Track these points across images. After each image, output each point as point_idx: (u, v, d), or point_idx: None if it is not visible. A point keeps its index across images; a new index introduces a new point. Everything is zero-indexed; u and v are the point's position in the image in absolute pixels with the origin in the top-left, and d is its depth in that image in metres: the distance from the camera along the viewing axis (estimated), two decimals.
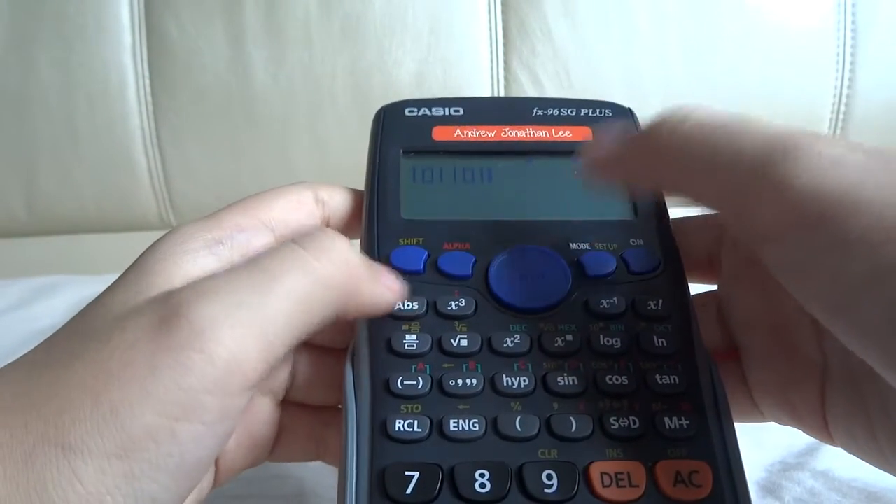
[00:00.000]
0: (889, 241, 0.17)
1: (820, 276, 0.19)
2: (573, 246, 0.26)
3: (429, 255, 0.25)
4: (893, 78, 0.66)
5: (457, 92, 0.65)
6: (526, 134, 0.29)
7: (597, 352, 0.23)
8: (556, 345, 0.23)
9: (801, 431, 0.26)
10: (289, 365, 0.26)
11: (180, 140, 0.66)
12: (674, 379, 0.23)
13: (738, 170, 0.20)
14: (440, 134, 0.29)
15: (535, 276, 0.25)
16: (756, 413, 0.26)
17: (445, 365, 0.23)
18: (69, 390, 0.18)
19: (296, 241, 0.22)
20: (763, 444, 0.35)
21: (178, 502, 0.20)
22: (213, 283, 0.20)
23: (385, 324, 0.24)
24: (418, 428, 0.22)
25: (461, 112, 0.29)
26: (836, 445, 0.24)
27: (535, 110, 0.30)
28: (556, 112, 0.30)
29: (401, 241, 0.26)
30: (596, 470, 0.21)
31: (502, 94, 0.66)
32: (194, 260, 0.22)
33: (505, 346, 0.23)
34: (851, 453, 0.24)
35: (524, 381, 0.23)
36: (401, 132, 0.29)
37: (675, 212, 0.27)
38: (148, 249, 0.23)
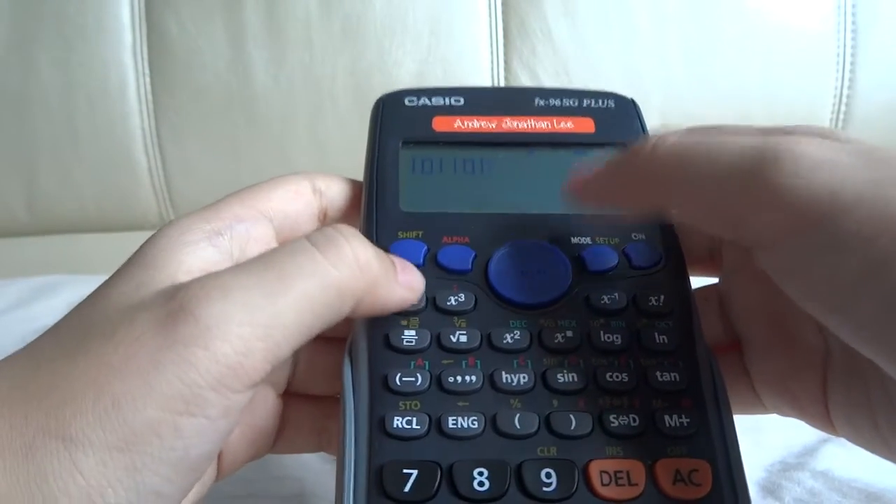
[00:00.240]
0: (881, 236, 0.17)
1: (816, 277, 0.19)
2: (574, 240, 0.25)
3: (428, 249, 0.25)
4: (894, 79, 0.66)
5: None
6: (527, 125, 0.29)
7: (597, 348, 0.23)
8: (557, 341, 0.23)
9: (802, 428, 0.26)
10: (290, 358, 0.26)
11: (181, 140, 0.66)
12: (674, 376, 0.23)
13: (723, 184, 0.20)
14: (440, 124, 0.29)
15: (535, 271, 0.25)
16: (758, 405, 0.26)
17: (444, 361, 0.23)
18: (71, 382, 0.18)
19: (311, 240, 0.21)
20: (763, 444, 0.35)
21: (181, 496, 0.20)
22: (222, 280, 0.20)
23: (383, 319, 0.23)
24: (417, 425, 0.21)
25: (462, 102, 0.29)
26: (839, 435, 0.24)
27: (536, 101, 0.29)
28: (557, 103, 0.29)
29: (400, 234, 0.25)
30: (595, 468, 0.21)
31: None
32: (195, 252, 0.22)
33: (504, 342, 0.23)
34: (854, 443, 0.24)
35: (524, 377, 0.22)
36: (400, 122, 0.29)
37: None
38: (147, 242, 0.23)
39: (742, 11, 0.65)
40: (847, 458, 0.34)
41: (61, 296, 0.57)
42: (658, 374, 0.23)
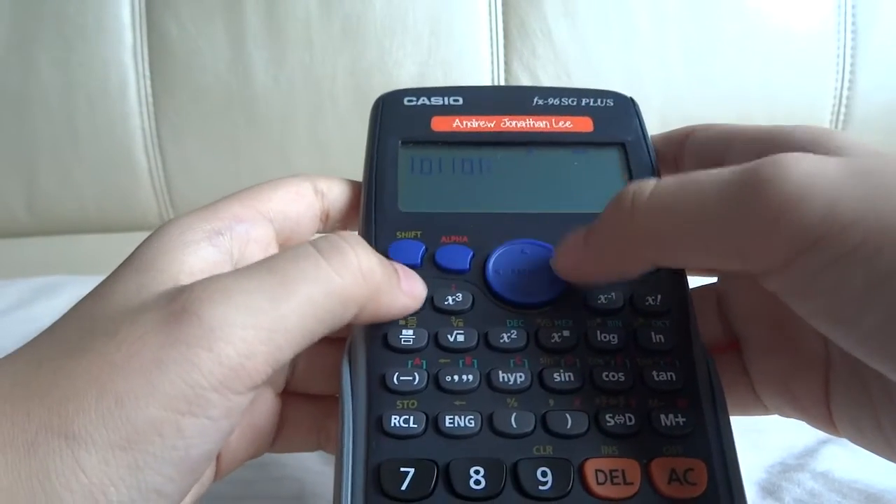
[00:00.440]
0: (881, 250, 0.17)
1: (821, 294, 0.19)
2: (570, 235, 0.25)
3: (426, 249, 0.25)
4: (893, 80, 0.66)
5: None
6: (526, 124, 0.29)
7: (594, 347, 0.23)
8: (553, 340, 0.23)
9: (802, 429, 0.26)
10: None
11: (181, 140, 0.66)
12: (670, 376, 0.23)
13: (717, 222, 0.20)
14: (439, 124, 0.29)
15: (533, 271, 0.25)
16: (759, 406, 0.26)
17: (442, 360, 0.23)
18: (74, 380, 0.18)
19: (315, 245, 0.21)
20: (763, 445, 0.35)
21: (181, 495, 0.20)
22: (225, 283, 0.20)
23: None
24: (414, 424, 0.22)
25: (460, 102, 0.29)
26: (841, 436, 0.24)
27: (535, 100, 0.29)
28: (556, 102, 0.29)
29: (398, 234, 0.25)
30: (591, 467, 0.21)
31: None
32: (195, 252, 0.22)
33: (501, 341, 0.23)
34: (856, 443, 0.24)
35: (520, 377, 0.23)
36: (399, 122, 0.29)
37: None
38: (147, 241, 0.23)
39: (742, 12, 0.65)
40: (847, 460, 0.34)
41: (62, 296, 0.57)
42: (654, 373, 0.23)
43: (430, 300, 0.24)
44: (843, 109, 0.67)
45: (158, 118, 0.66)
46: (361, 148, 0.29)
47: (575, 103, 0.29)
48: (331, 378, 0.26)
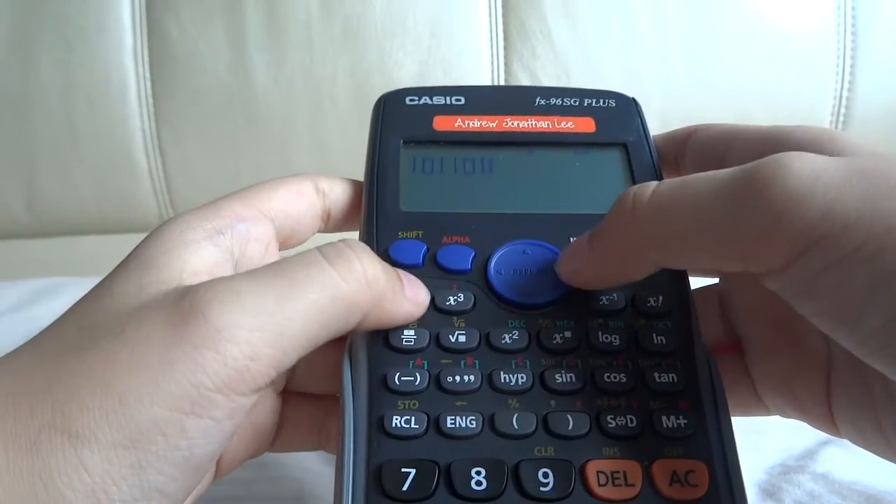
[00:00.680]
0: (884, 250, 0.17)
1: (823, 294, 0.19)
2: (573, 240, 0.25)
3: (427, 249, 0.25)
4: (893, 81, 0.66)
5: None
6: (528, 124, 0.29)
7: (595, 349, 0.23)
8: (555, 341, 0.23)
9: (802, 430, 0.26)
10: None
11: (181, 141, 0.66)
12: (672, 377, 0.23)
13: (718, 221, 0.20)
14: (441, 124, 0.29)
15: (534, 271, 0.25)
16: (760, 406, 0.26)
17: (443, 361, 0.23)
18: (78, 379, 0.18)
19: (322, 252, 0.22)
20: (763, 446, 0.35)
21: (183, 495, 0.20)
22: (233, 285, 0.20)
23: None
24: (415, 424, 0.22)
25: (462, 101, 0.29)
26: (842, 437, 0.24)
27: (537, 100, 0.29)
28: (558, 102, 0.29)
29: (400, 233, 0.25)
30: (592, 468, 0.21)
31: None
32: (196, 251, 0.22)
33: (503, 342, 0.23)
34: (857, 444, 0.24)
35: (522, 377, 0.23)
36: (401, 121, 0.29)
37: None
38: (147, 240, 0.23)
39: (742, 13, 0.65)
40: (847, 461, 0.34)
41: (62, 298, 0.57)
42: (656, 374, 0.23)
43: (431, 300, 0.24)
44: (842, 110, 0.67)
45: (159, 119, 0.66)
46: (362, 149, 0.29)
47: (577, 103, 0.29)
48: (331, 378, 0.26)
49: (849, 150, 0.21)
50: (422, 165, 0.28)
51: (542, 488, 0.20)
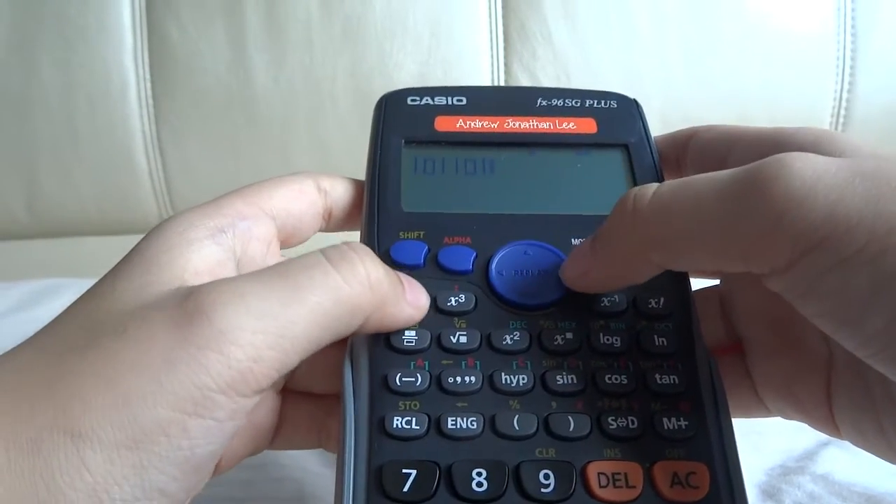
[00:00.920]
0: (886, 252, 0.17)
1: (825, 295, 0.19)
2: (575, 241, 0.25)
3: (429, 250, 0.25)
4: (893, 82, 0.66)
5: None
6: (529, 125, 0.29)
7: (596, 350, 0.23)
8: (556, 342, 0.23)
9: (802, 431, 0.26)
10: None
11: (181, 142, 0.66)
12: (673, 379, 0.23)
13: (720, 221, 0.20)
14: (442, 124, 0.29)
15: (536, 272, 0.25)
16: (761, 408, 0.26)
17: (444, 361, 0.23)
18: (80, 378, 0.18)
19: (325, 254, 0.22)
20: (763, 447, 0.36)
21: (185, 494, 0.20)
22: (238, 287, 0.20)
23: None
24: (416, 425, 0.22)
25: (464, 102, 0.29)
26: (843, 438, 0.24)
27: (539, 101, 0.29)
28: (560, 103, 0.29)
29: (401, 234, 0.25)
30: (593, 470, 0.21)
31: None
32: (199, 250, 0.22)
33: (504, 343, 0.23)
34: (858, 446, 0.24)
35: (523, 379, 0.23)
36: (402, 122, 0.29)
37: None
38: (148, 238, 0.22)
39: (742, 14, 0.65)
40: (847, 462, 0.34)
41: (63, 299, 0.56)
42: (657, 376, 0.23)
43: (432, 301, 0.24)
44: (842, 111, 0.67)
45: (159, 119, 0.66)
46: (362, 148, 0.29)
47: (578, 104, 0.29)
48: (331, 377, 0.26)
49: (850, 151, 0.21)
50: (423, 166, 0.28)
51: (542, 489, 0.20)
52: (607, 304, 0.24)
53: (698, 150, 0.27)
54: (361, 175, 0.28)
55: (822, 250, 0.18)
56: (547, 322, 0.24)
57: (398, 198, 0.26)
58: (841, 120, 0.67)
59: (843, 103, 0.67)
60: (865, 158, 0.20)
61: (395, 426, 0.21)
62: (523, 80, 0.65)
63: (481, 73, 0.65)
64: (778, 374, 0.25)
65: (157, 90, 0.66)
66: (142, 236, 0.23)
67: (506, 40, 0.65)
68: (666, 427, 0.22)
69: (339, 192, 0.27)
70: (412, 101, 0.29)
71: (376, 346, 0.23)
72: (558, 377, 0.23)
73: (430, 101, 0.29)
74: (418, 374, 0.22)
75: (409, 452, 0.21)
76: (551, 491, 0.20)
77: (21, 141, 0.66)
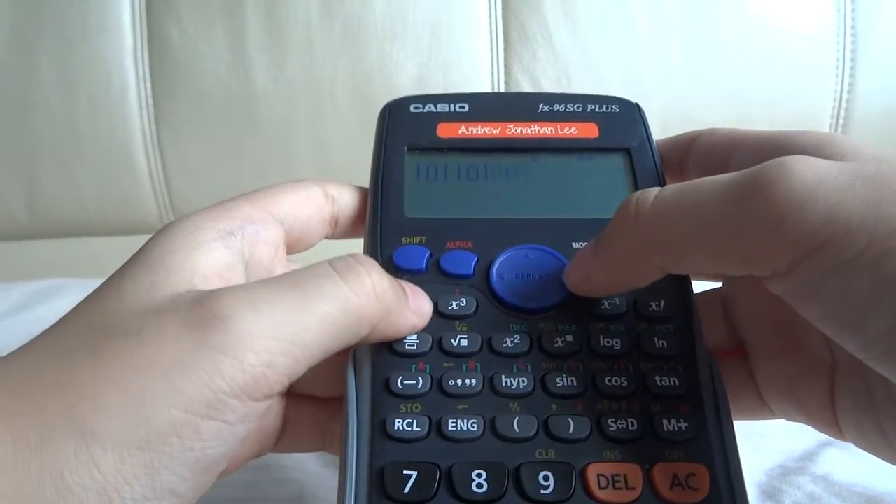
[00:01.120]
0: (887, 254, 0.18)
1: (827, 298, 0.19)
2: (576, 245, 0.26)
3: (431, 255, 0.25)
4: (893, 83, 0.66)
5: None
6: (531, 131, 0.29)
7: (597, 352, 0.23)
8: (556, 345, 0.23)
9: (802, 432, 0.26)
10: None
11: (181, 142, 0.66)
12: (673, 381, 0.23)
13: (721, 225, 0.20)
14: (445, 131, 0.29)
15: (536, 276, 0.25)
16: (765, 410, 0.26)
17: (445, 364, 0.23)
18: (93, 377, 0.18)
19: (333, 266, 0.22)
20: (763, 448, 0.36)
21: (194, 495, 0.20)
22: (251, 294, 0.20)
23: None
24: (417, 427, 0.22)
25: (466, 108, 0.29)
26: (846, 440, 0.24)
27: (540, 106, 0.29)
28: (561, 108, 0.29)
29: (403, 239, 0.26)
30: (593, 471, 0.21)
31: None
32: (207, 252, 0.22)
33: (504, 346, 0.23)
34: (861, 448, 0.24)
35: (523, 381, 0.23)
36: (405, 129, 0.29)
37: None
38: (156, 239, 0.23)
39: (742, 14, 0.65)
40: (847, 463, 0.34)
41: (63, 299, 0.57)
42: (657, 378, 0.23)
43: (434, 305, 0.24)
44: (842, 112, 0.67)
45: (159, 121, 0.66)
46: (362, 150, 0.29)
47: (580, 109, 0.29)
48: (335, 381, 0.26)
49: (852, 154, 0.21)
50: (426, 172, 0.28)
51: (542, 491, 0.21)
52: (608, 306, 0.24)
53: (700, 153, 0.27)
54: (362, 175, 0.28)
55: (823, 253, 0.18)
56: (547, 325, 0.24)
57: (401, 204, 0.27)
58: (841, 121, 0.67)
59: (843, 104, 0.67)
60: (867, 161, 0.20)
61: (396, 428, 0.22)
62: (523, 82, 0.65)
63: (481, 74, 0.66)
64: (781, 377, 0.25)
65: (158, 91, 0.66)
66: (142, 236, 0.23)
67: (506, 41, 0.65)
68: (666, 429, 0.22)
69: (345, 200, 0.27)
70: (415, 108, 0.29)
71: (378, 349, 0.23)
72: (558, 379, 0.23)
73: (433, 108, 0.29)
74: (419, 377, 0.23)
75: (410, 454, 0.21)
76: (551, 492, 0.21)
77: (21, 141, 0.66)
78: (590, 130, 0.29)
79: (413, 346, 0.23)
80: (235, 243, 0.23)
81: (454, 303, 0.24)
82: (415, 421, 0.22)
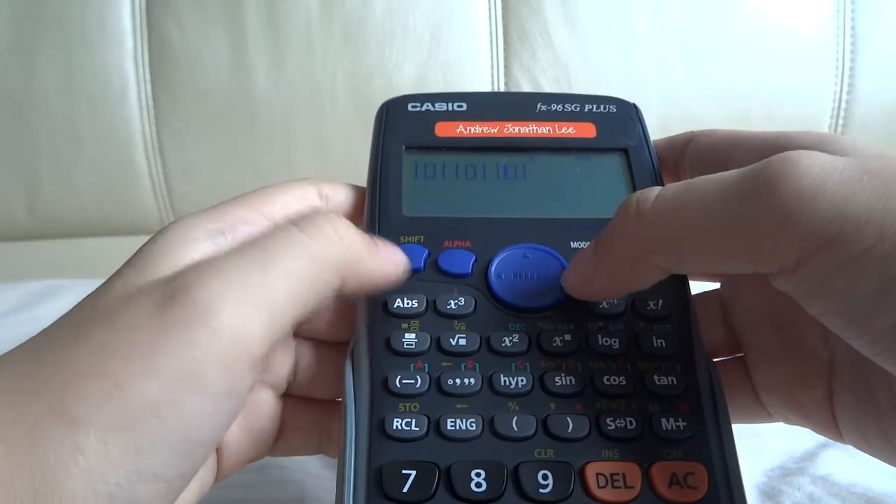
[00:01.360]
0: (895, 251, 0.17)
1: (834, 295, 0.19)
2: (574, 244, 0.26)
3: (429, 254, 0.25)
4: (893, 83, 0.66)
5: None
6: (529, 130, 0.29)
7: (595, 352, 0.23)
8: (555, 344, 0.23)
9: (802, 433, 0.26)
10: (291, 358, 0.26)
11: (181, 144, 0.66)
12: (672, 380, 0.23)
13: (726, 222, 0.20)
14: (443, 130, 0.29)
15: (535, 275, 0.25)
16: (763, 413, 0.26)
17: (444, 364, 0.23)
18: (74, 367, 0.18)
19: (294, 223, 0.22)
20: (763, 449, 0.35)
21: (180, 481, 0.20)
22: (215, 263, 0.21)
23: (384, 322, 0.24)
24: (416, 427, 0.22)
25: (464, 107, 0.29)
26: (846, 442, 0.24)
27: (538, 106, 0.29)
28: (559, 108, 0.29)
29: (402, 238, 0.26)
30: (591, 470, 0.21)
31: None
32: (196, 248, 0.22)
33: (503, 345, 0.23)
34: (862, 450, 0.24)
35: (522, 380, 0.23)
36: (403, 128, 0.29)
37: None
38: (150, 241, 0.23)
39: (742, 15, 0.65)
40: (847, 464, 0.34)
41: (63, 299, 0.57)
42: (655, 377, 0.23)
43: (432, 304, 0.24)
44: (842, 112, 0.67)
45: (159, 121, 0.66)
46: (362, 151, 0.29)
47: (578, 109, 0.29)
48: (332, 382, 0.26)
49: (853, 152, 0.21)
50: (424, 171, 0.28)
51: (541, 490, 0.21)
52: (606, 306, 0.24)
53: (697, 154, 0.27)
54: (362, 176, 0.28)
55: (831, 249, 0.18)
56: (546, 324, 0.24)
57: (399, 203, 0.27)
58: (840, 121, 0.67)
59: (843, 104, 0.67)
60: (871, 157, 0.20)
61: (394, 427, 0.22)
62: (523, 82, 0.65)
63: (481, 75, 0.66)
64: (779, 379, 0.25)
65: (158, 92, 0.66)
66: (142, 237, 0.23)
67: (506, 42, 0.66)
68: (664, 428, 0.22)
69: (340, 199, 0.27)
70: (413, 107, 0.29)
71: (377, 348, 0.23)
72: (557, 379, 0.23)
73: (431, 107, 0.29)
74: (418, 377, 0.23)
75: (408, 453, 0.21)
76: (550, 491, 0.21)
77: (22, 143, 0.66)
78: (587, 130, 0.29)
79: (412, 345, 0.23)
80: (224, 242, 0.23)
81: (452, 302, 0.24)
82: (413, 420, 0.22)
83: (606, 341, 0.24)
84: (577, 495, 0.21)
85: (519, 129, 0.29)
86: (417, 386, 0.22)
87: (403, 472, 0.21)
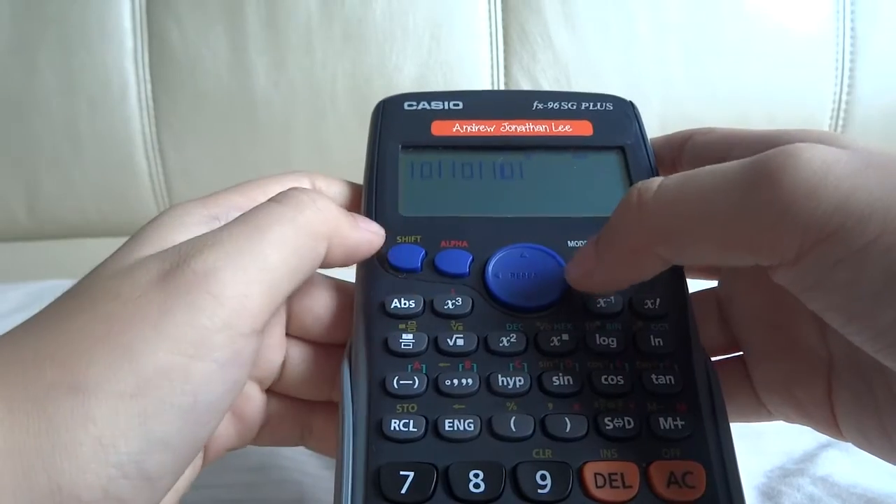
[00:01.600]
0: None
1: (835, 289, 0.19)
2: (571, 244, 0.25)
3: (426, 254, 0.25)
4: (893, 84, 0.66)
5: None
6: (525, 128, 0.29)
7: (593, 351, 0.23)
8: (552, 344, 0.23)
9: (801, 433, 0.26)
10: (281, 356, 0.26)
11: (181, 144, 0.66)
12: (669, 379, 0.23)
13: (727, 213, 0.20)
14: (439, 129, 0.29)
15: (532, 275, 0.25)
16: (763, 411, 0.26)
17: (441, 364, 0.23)
18: (82, 337, 0.19)
19: (275, 199, 0.23)
20: (763, 449, 0.35)
21: (188, 448, 0.20)
22: (211, 236, 0.21)
23: (382, 323, 0.24)
24: (413, 427, 0.22)
25: (461, 106, 0.29)
26: (846, 440, 0.24)
27: (535, 104, 0.29)
28: (556, 106, 0.29)
29: (398, 238, 0.26)
30: (590, 470, 0.21)
31: None
32: (191, 231, 0.23)
33: (501, 345, 0.23)
34: (862, 448, 0.24)
35: (519, 380, 0.23)
36: (400, 126, 0.29)
37: None
38: (146, 224, 0.23)
39: (742, 16, 0.65)
40: (847, 464, 0.34)
41: None
42: (653, 376, 0.23)
43: (429, 304, 0.24)
44: (842, 113, 0.67)
45: (159, 122, 0.66)
46: (362, 152, 0.29)
47: (574, 107, 0.29)
48: (319, 385, 0.27)
49: (853, 149, 0.21)
50: (420, 170, 0.28)
51: (539, 490, 0.21)
52: (603, 305, 0.24)
53: (695, 152, 0.27)
54: (361, 177, 0.28)
55: (833, 242, 0.18)
56: (543, 324, 0.24)
57: (395, 202, 0.27)
58: (840, 121, 0.67)
59: (843, 105, 0.67)
60: (873, 152, 0.20)
61: (392, 428, 0.22)
62: (523, 83, 0.65)
63: (481, 75, 0.66)
64: (778, 377, 0.25)
65: (158, 92, 0.66)
66: None
67: (506, 43, 0.66)
68: (662, 427, 0.22)
69: (334, 193, 0.28)
70: (409, 105, 0.29)
71: (374, 349, 0.23)
72: (555, 378, 0.23)
73: (427, 106, 0.29)
74: (416, 377, 0.23)
75: (406, 454, 0.21)
76: (548, 491, 0.21)
77: (22, 143, 0.66)
78: (584, 128, 0.29)
79: (409, 345, 0.23)
80: (217, 226, 0.23)
81: (450, 302, 0.24)
82: (411, 421, 0.22)
83: (604, 341, 0.23)
84: (575, 495, 0.21)
85: (515, 128, 0.29)
86: (415, 387, 0.22)
87: (401, 473, 0.21)
